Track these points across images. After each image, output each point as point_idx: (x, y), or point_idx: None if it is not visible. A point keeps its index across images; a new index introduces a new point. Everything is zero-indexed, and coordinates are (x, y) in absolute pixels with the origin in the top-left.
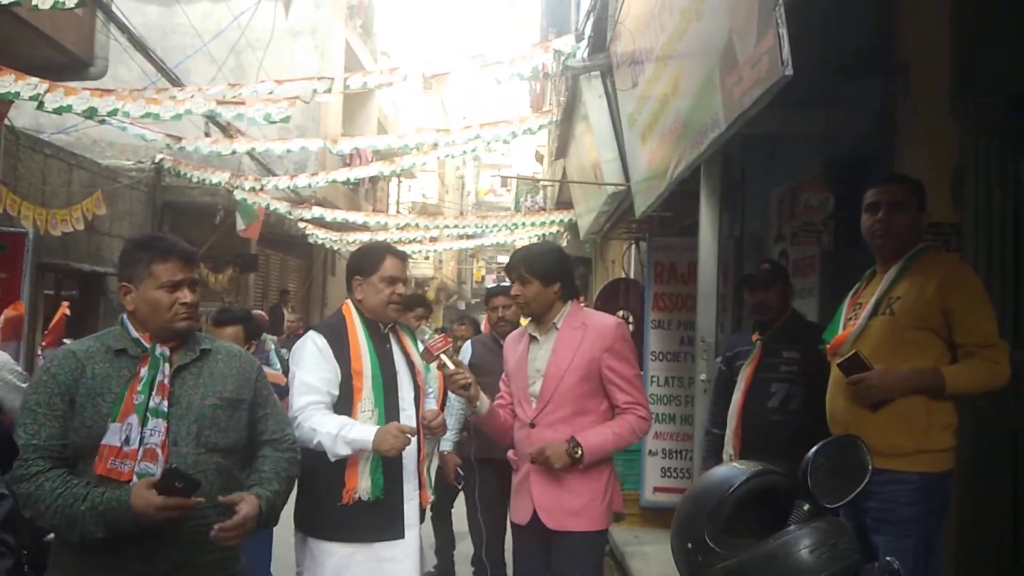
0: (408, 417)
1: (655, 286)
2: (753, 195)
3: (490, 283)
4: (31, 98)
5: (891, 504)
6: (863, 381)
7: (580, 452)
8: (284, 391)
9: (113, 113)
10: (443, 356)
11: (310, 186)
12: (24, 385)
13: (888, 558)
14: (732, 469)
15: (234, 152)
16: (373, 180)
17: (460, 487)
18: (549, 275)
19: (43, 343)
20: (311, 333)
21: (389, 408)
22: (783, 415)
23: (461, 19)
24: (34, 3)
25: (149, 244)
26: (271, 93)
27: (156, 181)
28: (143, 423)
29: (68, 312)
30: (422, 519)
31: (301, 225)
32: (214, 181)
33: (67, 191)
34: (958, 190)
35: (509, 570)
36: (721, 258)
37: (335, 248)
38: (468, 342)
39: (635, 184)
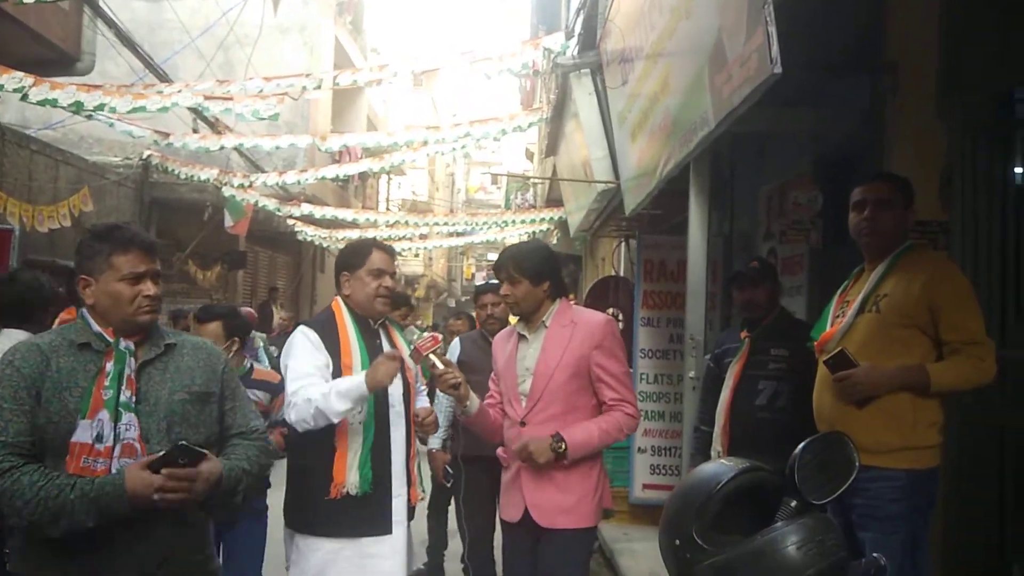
0: (397, 414)
1: (644, 284)
2: (742, 193)
3: (480, 280)
4: (15, 91)
5: (877, 501)
6: (849, 378)
7: (564, 447)
8: (278, 388)
9: (100, 108)
10: (432, 356)
11: (299, 183)
12: None
13: (875, 554)
14: (720, 466)
15: (222, 148)
16: (363, 177)
17: (448, 485)
18: (538, 274)
19: None
20: (301, 327)
21: (378, 403)
22: (771, 412)
23: (451, 17)
24: None
25: (108, 235)
26: (260, 91)
27: (144, 178)
28: (116, 418)
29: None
30: (412, 516)
31: (290, 222)
32: (202, 178)
33: (53, 187)
34: (945, 188)
35: (498, 568)
36: (710, 256)
37: (324, 245)
38: (456, 340)
39: (625, 182)
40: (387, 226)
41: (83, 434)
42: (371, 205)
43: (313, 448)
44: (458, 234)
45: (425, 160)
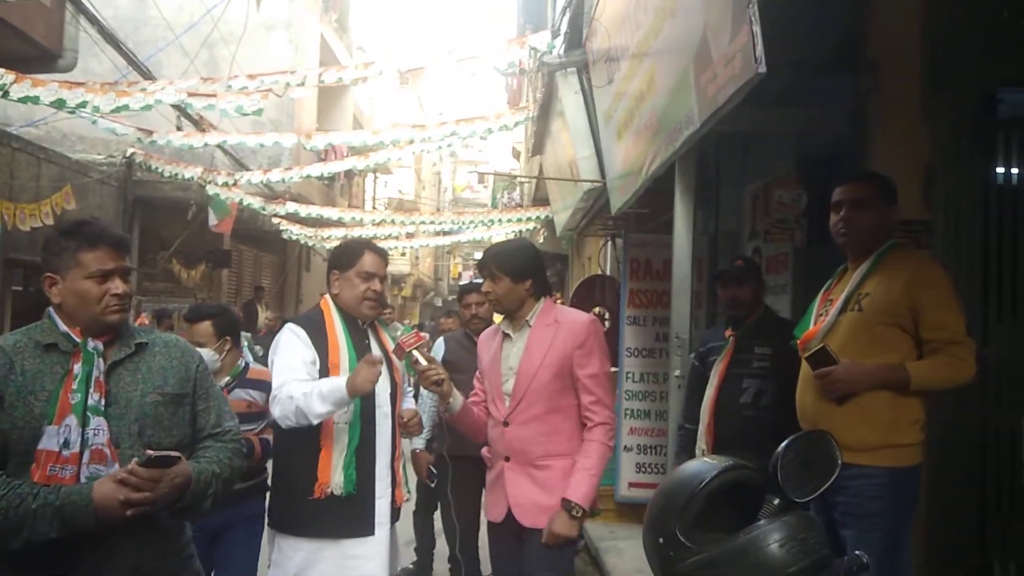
0: (384, 414)
1: (631, 282)
2: (727, 192)
3: (467, 279)
4: None
5: (859, 498)
6: (829, 375)
7: (580, 509)
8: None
9: (82, 106)
10: (415, 352)
11: (284, 181)
12: None
13: (856, 552)
14: (703, 464)
15: (206, 145)
16: (348, 176)
17: (433, 485)
18: (520, 272)
19: None
20: (289, 324)
21: (365, 403)
22: (755, 410)
23: (437, 15)
24: None
25: (75, 231)
26: (243, 89)
27: (127, 176)
28: (84, 423)
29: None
30: (396, 518)
31: (275, 221)
32: (186, 176)
33: (36, 185)
34: (928, 187)
35: (484, 567)
36: (695, 255)
37: (310, 244)
38: (441, 339)
39: (611, 181)
40: (373, 225)
41: (49, 441)
42: (357, 204)
43: (298, 448)
44: (445, 233)
45: (411, 159)
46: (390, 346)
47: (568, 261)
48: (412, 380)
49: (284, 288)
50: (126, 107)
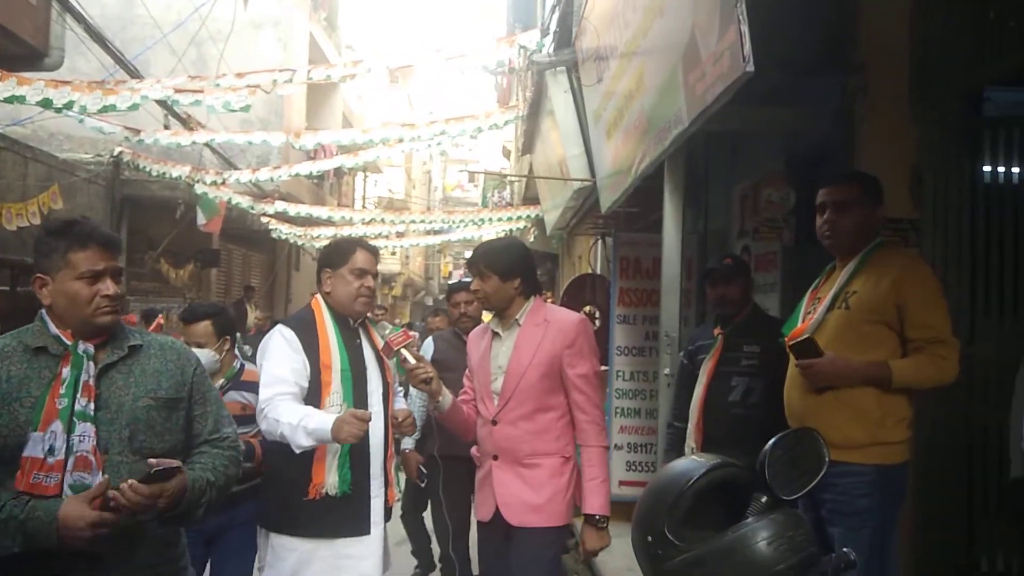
0: (376, 413)
1: (620, 281)
2: (716, 191)
3: (458, 278)
4: None
5: (846, 496)
6: (813, 367)
7: (604, 519)
8: None
9: (69, 105)
10: (404, 351)
11: (272, 180)
12: None
13: (844, 549)
14: (691, 462)
15: (194, 144)
16: (338, 175)
17: (423, 485)
18: (508, 271)
19: None
20: (279, 326)
21: (358, 403)
22: (744, 408)
23: (427, 14)
24: None
25: (65, 230)
26: (231, 87)
27: (115, 175)
28: (69, 429)
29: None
30: (388, 517)
31: (264, 220)
32: (174, 175)
33: (23, 185)
34: (916, 186)
35: (474, 565)
36: (684, 253)
37: (299, 243)
38: (430, 338)
39: (601, 180)
40: (363, 224)
41: (34, 448)
42: (347, 203)
43: (291, 449)
44: (435, 232)
45: (402, 158)
46: (380, 345)
47: (558, 260)
48: (401, 379)
49: (274, 287)
50: (113, 107)
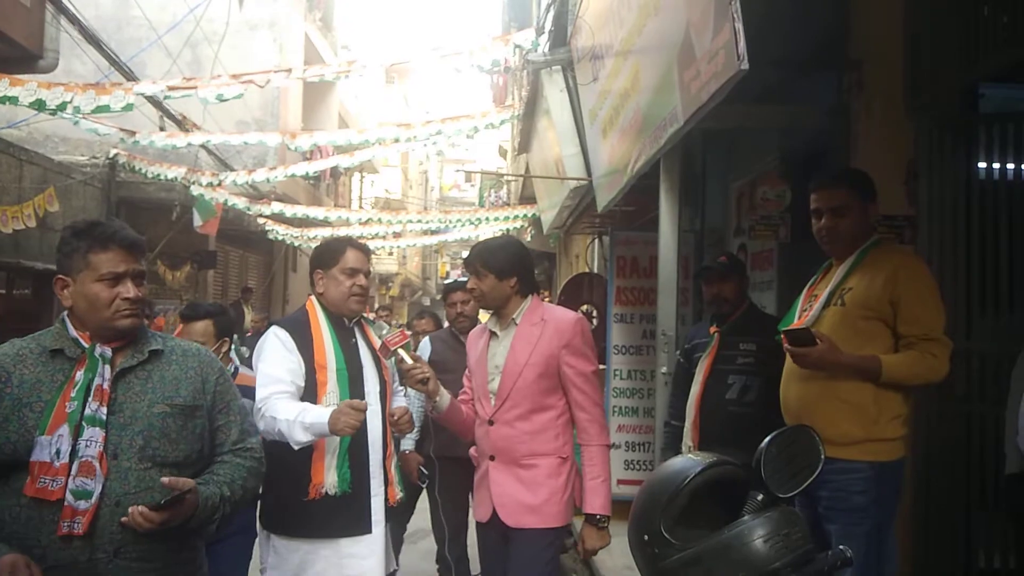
0: (374, 413)
1: (617, 280)
2: (713, 189)
3: (455, 278)
4: None
5: (842, 493)
6: (806, 355)
7: (605, 518)
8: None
9: (63, 106)
10: (401, 351)
11: (268, 181)
12: None
13: (841, 546)
14: (687, 461)
15: (190, 146)
16: (335, 175)
17: (423, 485)
18: (505, 269)
19: None
20: (274, 327)
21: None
22: (740, 406)
23: (422, 14)
24: None
25: (87, 231)
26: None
27: (110, 177)
28: (77, 433)
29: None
30: (390, 516)
31: (261, 221)
32: (170, 176)
33: (18, 187)
34: (912, 183)
35: (475, 565)
36: (681, 252)
37: (296, 244)
38: (426, 339)
39: (597, 179)
40: (360, 224)
41: (41, 452)
42: (344, 203)
43: (291, 449)
44: (432, 232)
45: (398, 158)
46: (377, 343)
47: (556, 259)
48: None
49: (271, 289)
50: (107, 107)
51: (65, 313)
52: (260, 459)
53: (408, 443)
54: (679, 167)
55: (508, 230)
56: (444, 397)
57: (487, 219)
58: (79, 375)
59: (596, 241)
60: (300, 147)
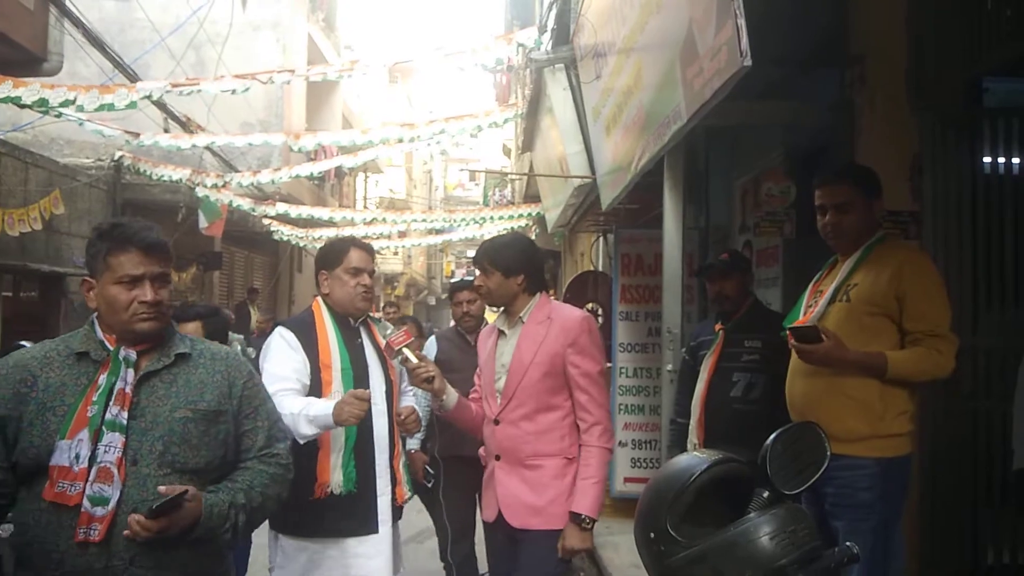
0: (379, 412)
1: (622, 278)
2: (717, 186)
3: (460, 277)
4: None
5: (848, 489)
6: (812, 352)
7: (589, 520)
8: None
9: (66, 104)
10: (405, 350)
11: (273, 182)
12: None
13: (847, 543)
14: (693, 458)
15: (194, 147)
16: (339, 176)
17: (429, 485)
18: (512, 267)
19: None
20: (279, 328)
21: None
22: (746, 403)
23: (425, 14)
24: None
25: (108, 232)
26: (233, 91)
27: (116, 179)
28: (96, 438)
29: None
30: (398, 516)
31: (266, 222)
32: (175, 178)
33: (24, 190)
34: (916, 178)
35: (481, 563)
36: (686, 249)
37: (301, 245)
38: (432, 338)
39: (601, 177)
40: (364, 224)
41: (61, 456)
42: (348, 203)
43: (296, 448)
44: (437, 231)
45: (402, 158)
46: (382, 343)
47: (561, 257)
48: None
49: (277, 289)
50: (111, 105)
51: (95, 315)
52: (287, 465)
53: (413, 443)
54: (683, 164)
55: (513, 229)
56: (451, 395)
57: (491, 218)
58: (102, 379)
59: (601, 239)
60: (304, 148)
